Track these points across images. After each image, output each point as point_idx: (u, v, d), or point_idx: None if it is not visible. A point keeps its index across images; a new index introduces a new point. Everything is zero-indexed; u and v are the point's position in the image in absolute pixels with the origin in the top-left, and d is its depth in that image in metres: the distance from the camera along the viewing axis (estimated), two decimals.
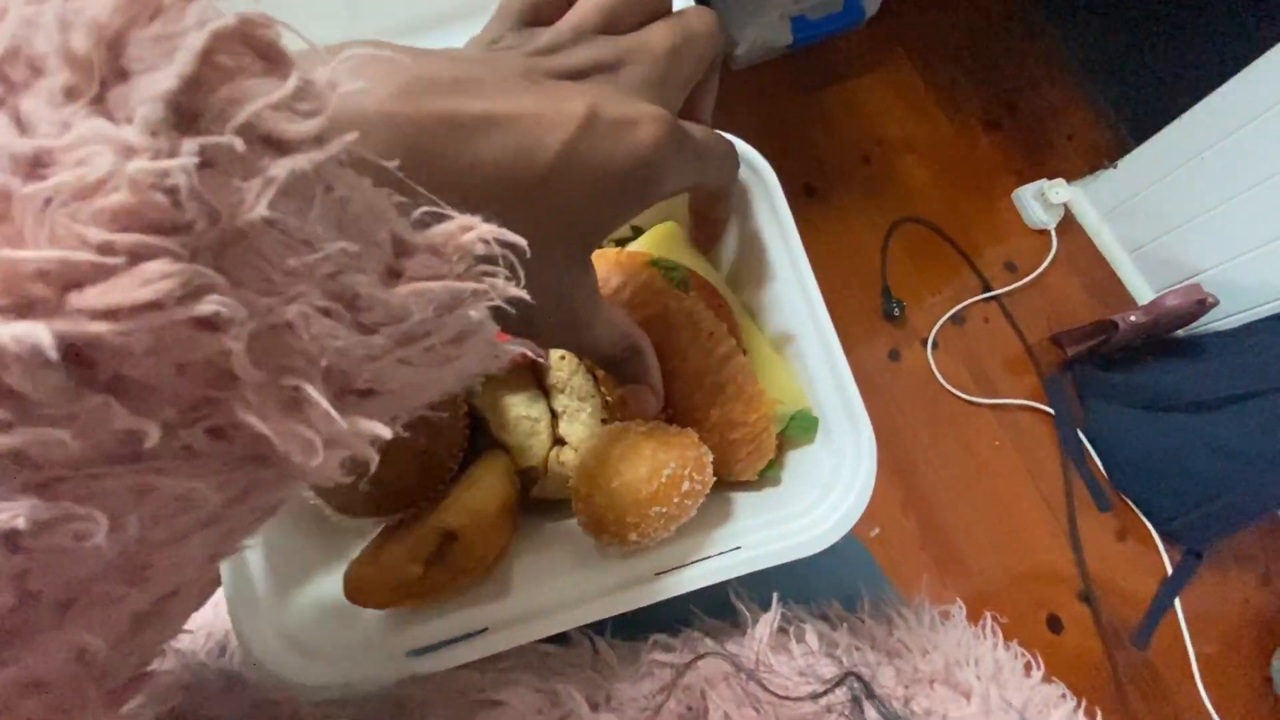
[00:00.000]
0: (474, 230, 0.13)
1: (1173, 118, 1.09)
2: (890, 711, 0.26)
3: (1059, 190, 1.23)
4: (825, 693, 0.26)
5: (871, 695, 0.27)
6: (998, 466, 1.18)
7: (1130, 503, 1.18)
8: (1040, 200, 1.26)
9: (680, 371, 0.31)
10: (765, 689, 0.26)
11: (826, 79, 1.36)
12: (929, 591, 0.37)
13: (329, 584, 0.33)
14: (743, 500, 0.32)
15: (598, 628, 0.31)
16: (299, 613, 0.32)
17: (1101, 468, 1.19)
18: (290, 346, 0.10)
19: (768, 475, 0.32)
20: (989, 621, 0.33)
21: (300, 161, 0.10)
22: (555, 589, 0.32)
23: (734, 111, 1.32)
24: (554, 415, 0.36)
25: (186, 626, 0.14)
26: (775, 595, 0.30)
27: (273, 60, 0.10)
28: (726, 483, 0.32)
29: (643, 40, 0.20)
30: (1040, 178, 1.30)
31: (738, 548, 0.30)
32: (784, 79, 1.35)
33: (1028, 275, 1.26)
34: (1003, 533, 1.16)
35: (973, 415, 1.19)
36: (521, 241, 0.13)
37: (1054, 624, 1.10)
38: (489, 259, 0.13)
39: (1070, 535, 1.17)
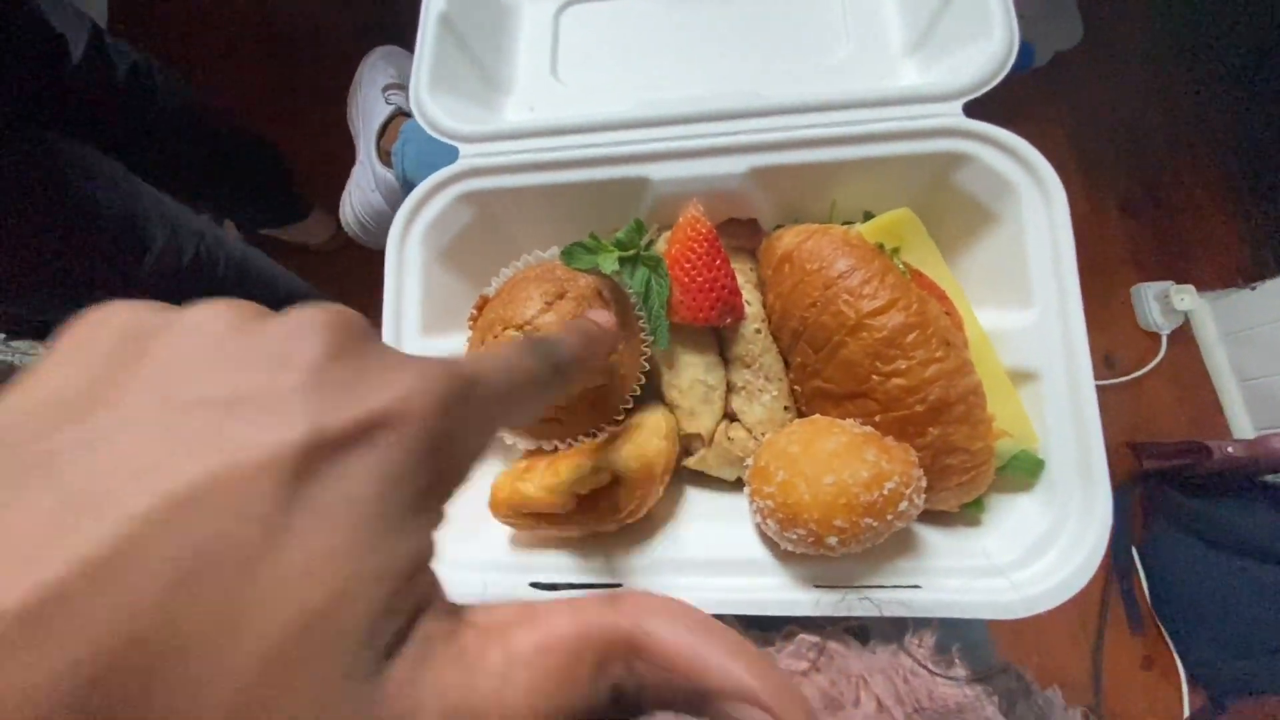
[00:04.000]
0: None
1: None
2: (1041, 712, 0.25)
3: (1185, 297, 1.16)
4: (987, 678, 0.25)
5: (1029, 694, 0.26)
6: None
7: (1166, 633, 1.12)
8: (1161, 302, 1.20)
9: (900, 375, 0.28)
10: (923, 665, 0.26)
11: (973, 116, 1.29)
12: None
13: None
14: (929, 535, 0.29)
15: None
16: None
17: (1146, 590, 1.13)
18: None
19: (968, 511, 0.29)
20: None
21: None
22: (698, 566, 0.29)
23: None
24: (729, 388, 0.33)
25: None
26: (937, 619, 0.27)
27: None
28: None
29: None
30: (1165, 278, 1.23)
31: (917, 586, 0.27)
32: None
33: (1125, 375, 1.20)
34: (1025, 624, 1.11)
35: None
36: None
37: None
38: None
39: (1093, 648, 1.12)
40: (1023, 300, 0.29)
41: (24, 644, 0.08)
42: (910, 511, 0.26)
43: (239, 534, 0.10)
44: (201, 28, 1.20)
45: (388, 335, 0.33)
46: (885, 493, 0.25)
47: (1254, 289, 1.15)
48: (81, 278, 0.56)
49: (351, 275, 1.16)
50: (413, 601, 0.11)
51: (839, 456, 0.26)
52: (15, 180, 0.50)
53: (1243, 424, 1.17)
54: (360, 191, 0.84)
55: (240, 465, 0.10)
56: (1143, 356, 1.21)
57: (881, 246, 0.29)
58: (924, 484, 0.26)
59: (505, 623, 0.12)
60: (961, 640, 0.34)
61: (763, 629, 0.30)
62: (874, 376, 0.28)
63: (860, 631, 0.30)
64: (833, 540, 0.26)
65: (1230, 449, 1.04)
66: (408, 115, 0.81)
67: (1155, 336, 1.23)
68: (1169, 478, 1.13)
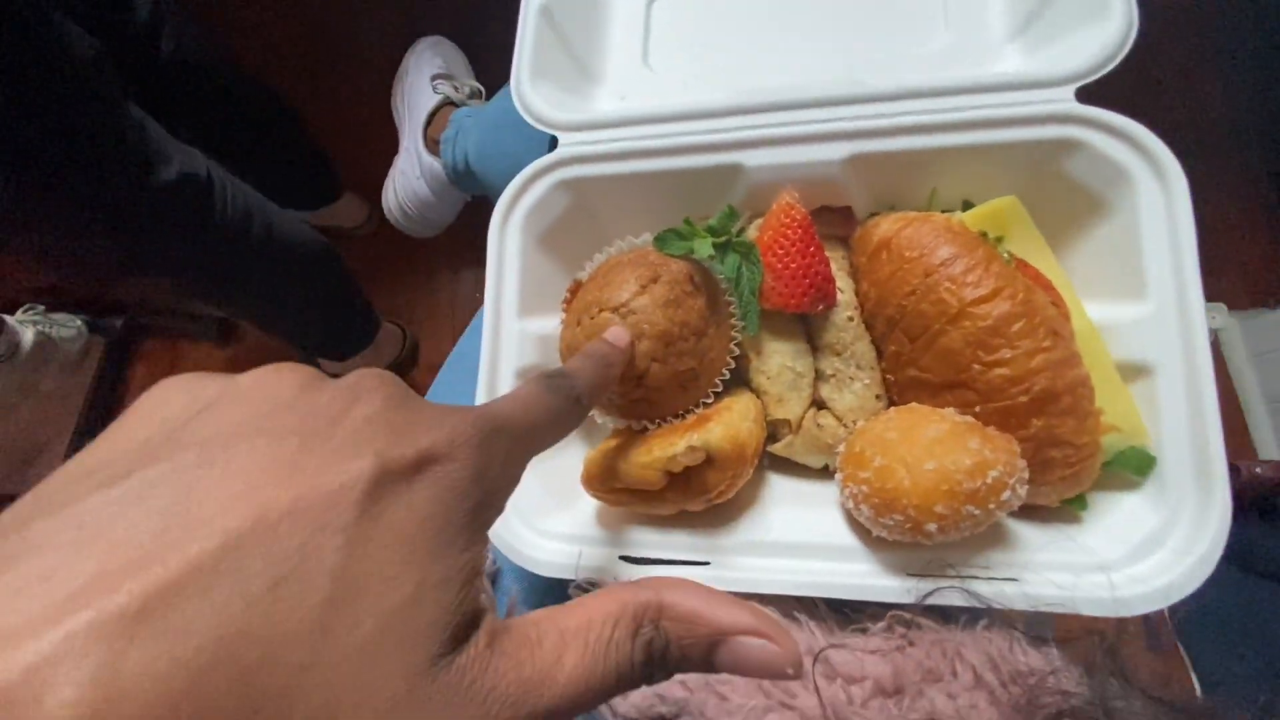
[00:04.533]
0: None
1: None
2: (1125, 670, 0.25)
3: (1216, 315, 1.16)
4: (1078, 639, 0.26)
5: (1114, 653, 0.26)
6: None
7: (1185, 652, 1.11)
8: None
9: (1003, 365, 0.27)
10: (1019, 630, 0.26)
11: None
12: None
13: (550, 465, 0.32)
14: (1024, 529, 0.29)
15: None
16: (527, 488, 0.30)
17: (1166, 609, 1.12)
18: None
19: (1069, 506, 0.29)
20: None
21: None
22: (784, 549, 0.29)
23: None
24: (816, 376, 0.32)
25: None
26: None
27: None
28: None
29: None
30: None
31: (1014, 579, 0.27)
32: None
33: None
34: None
35: None
36: None
37: None
38: None
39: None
40: (1135, 292, 0.28)
41: (145, 634, 0.10)
42: (1012, 501, 0.26)
43: (326, 543, 0.12)
44: (243, 6, 1.20)
45: (488, 316, 0.33)
46: (989, 481, 0.25)
47: None
48: (101, 182, 0.57)
49: (384, 261, 1.16)
50: (472, 605, 0.14)
51: (941, 443, 0.26)
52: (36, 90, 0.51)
53: (1267, 445, 1.16)
54: (404, 178, 0.84)
55: (321, 489, 0.12)
56: None
57: (984, 235, 0.29)
58: (1026, 475, 0.26)
59: (552, 613, 0.15)
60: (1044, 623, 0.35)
61: (842, 611, 0.30)
62: (975, 366, 0.28)
63: (940, 612, 0.30)
64: (931, 527, 0.25)
65: (1259, 470, 1.03)
66: (456, 105, 0.81)
67: None
68: None
